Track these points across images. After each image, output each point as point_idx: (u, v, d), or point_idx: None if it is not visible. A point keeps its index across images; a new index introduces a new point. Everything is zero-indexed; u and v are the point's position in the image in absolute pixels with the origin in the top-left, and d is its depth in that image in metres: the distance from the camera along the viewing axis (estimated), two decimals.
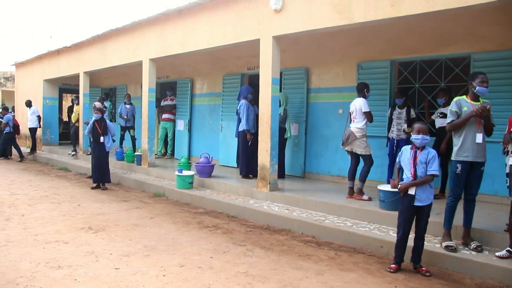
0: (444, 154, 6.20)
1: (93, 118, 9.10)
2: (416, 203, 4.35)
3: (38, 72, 16.71)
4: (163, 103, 12.02)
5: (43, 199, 7.80)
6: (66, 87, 17.01)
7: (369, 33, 7.69)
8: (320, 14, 6.39)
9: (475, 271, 4.36)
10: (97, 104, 9.48)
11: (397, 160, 4.73)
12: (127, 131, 12.41)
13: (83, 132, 12.77)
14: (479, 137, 4.64)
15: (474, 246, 4.66)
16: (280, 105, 7.95)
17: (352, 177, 6.73)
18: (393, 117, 7.19)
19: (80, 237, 5.42)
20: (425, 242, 4.51)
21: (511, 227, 4.50)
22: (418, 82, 7.66)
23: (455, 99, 4.82)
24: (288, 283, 4.06)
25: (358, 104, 6.56)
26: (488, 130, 4.73)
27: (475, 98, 4.73)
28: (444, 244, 4.71)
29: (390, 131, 7.25)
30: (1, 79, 22.86)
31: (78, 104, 13.65)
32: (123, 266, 4.37)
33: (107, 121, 9.16)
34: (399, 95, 7.11)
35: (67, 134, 16.97)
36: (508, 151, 4.72)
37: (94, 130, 8.98)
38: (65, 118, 17.66)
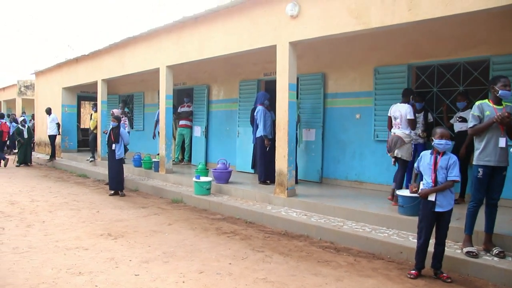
0: (464, 159, 6.12)
1: (110, 126, 9.23)
2: (437, 209, 4.30)
3: (57, 80, 17.02)
4: (180, 109, 12.13)
5: (63, 206, 7.92)
6: (84, 94, 17.30)
7: (386, 37, 7.66)
8: (336, 20, 6.39)
9: (497, 278, 4.28)
10: (115, 111, 9.60)
11: (415, 165, 4.68)
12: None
13: (101, 139, 12.95)
14: (502, 142, 4.57)
15: (496, 252, 4.58)
16: None
17: (400, 184, 6.58)
18: None
19: (99, 243, 5.49)
20: (445, 248, 4.45)
21: None
22: (436, 86, 7.60)
23: (477, 103, 4.76)
24: None
25: (404, 110, 6.45)
26: (511, 134, 4.66)
27: (498, 101, 4.67)
28: (465, 250, 4.65)
29: None
30: (22, 88, 23.27)
31: (96, 111, 13.85)
32: (142, 273, 4.41)
33: (121, 128, 9.29)
34: (418, 99, 7.04)
35: (85, 141, 17.25)
36: None
37: (109, 137, 9.13)
38: (86, 125, 17.90)
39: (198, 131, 11.94)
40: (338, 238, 5.68)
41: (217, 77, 11.59)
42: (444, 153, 4.36)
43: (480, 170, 4.63)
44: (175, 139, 12.18)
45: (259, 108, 8.46)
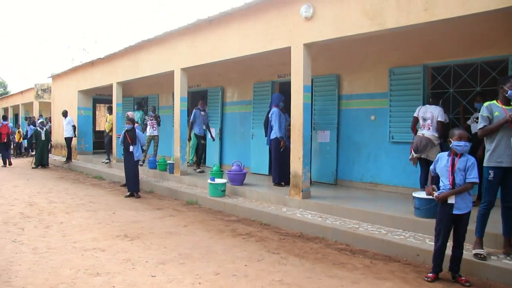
0: (481, 160, 6.03)
1: (125, 128, 9.31)
2: (455, 211, 4.25)
3: (73, 83, 17.25)
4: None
5: (79, 207, 8.02)
6: (99, 97, 17.50)
7: (401, 38, 7.61)
8: (351, 21, 6.36)
9: None
10: (130, 114, 9.68)
11: (431, 167, 4.64)
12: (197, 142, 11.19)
13: (116, 141, 13.08)
14: None
15: None
16: None
17: (424, 185, 6.51)
18: None
19: (116, 244, 5.54)
20: (464, 251, 4.39)
21: None
22: (452, 87, 7.51)
23: (486, 104, 4.73)
24: None
25: (436, 112, 6.42)
26: None
27: (507, 102, 4.62)
28: (474, 251, 4.58)
29: None
30: (39, 91, 23.62)
31: (111, 113, 13.98)
32: (159, 274, 4.44)
33: (137, 130, 9.37)
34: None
35: (100, 143, 17.44)
36: None
37: (125, 139, 9.21)
38: (101, 128, 18.09)
39: (212, 133, 11.95)
40: (354, 240, 5.65)
41: (231, 79, 11.63)
42: (461, 155, 4.31)
43: (491, 172, 4.57)
44: (189, 141, 12.21)
45: (274, 110, 8.47)
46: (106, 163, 13.87)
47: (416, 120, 6.68)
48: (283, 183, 8.38)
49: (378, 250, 5.31)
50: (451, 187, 4.26)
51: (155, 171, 11.28)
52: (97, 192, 9.94)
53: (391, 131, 7.99)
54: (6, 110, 31.58)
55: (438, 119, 6.39)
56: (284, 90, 9.69)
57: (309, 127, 7.34)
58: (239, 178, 8.57)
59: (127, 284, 4.13)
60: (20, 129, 21.33)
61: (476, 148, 6.17)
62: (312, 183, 8.30)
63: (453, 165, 4.29)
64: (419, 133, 6.58)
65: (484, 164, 4.68)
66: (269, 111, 8.69)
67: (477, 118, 6.44)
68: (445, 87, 7.59)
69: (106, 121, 14.48)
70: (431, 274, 4.35)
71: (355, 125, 8.59)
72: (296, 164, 7.19)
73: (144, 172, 11.33)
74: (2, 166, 15.47)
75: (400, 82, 7.85)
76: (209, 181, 8.20)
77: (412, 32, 7.12)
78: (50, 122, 19.98)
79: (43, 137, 15.44)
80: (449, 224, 4.32)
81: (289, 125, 8.13)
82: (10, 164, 15.80)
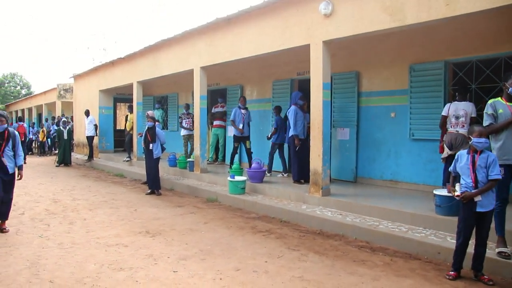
0: None
1: (146, 126, 9.44)
2: (478, 209, 4.20)
3: (94, 83, 17.53)
4: (214, 110, 12.24)
5: (102, 204, 8.17)
6: (120, 96, 17.74)
7: (421, 34, 7.52)
8: (371, 17, 6.33)
9: None
10: (150, 112, 9.80)
11: (451, 167, 4.59)
12: (241, 143, 10.58)
13: (137, 140, 13.26)
14: None
15: None
16: None
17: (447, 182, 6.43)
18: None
19: (138, 240, 5.64)
20: (487, 249, 4.34)
21: None
22: (475, 83, 7.40)
23: (490, 101, 4.72)
24: None
25: (470, 109, 6.29)
26: None
27: (510, 99, 4.57)
28: (497, 250, 4.53)
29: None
30: (61, 91, 24.04)
31: (132, 112, 14.17)
32: (181, 269, 4.51)
33: (157, 128, 9.48)
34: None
35: (120, 142, 17.69)
36: None
37: (145, 137, 9.33)
38: (122, 127, 18.32)
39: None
40: (374, 237, 5.63)
41: (250, 77, 11.66)
42: (481, 152, 4.26)
43: (501, 169, 4.50)
44: (209, 139, 12.32)
45: (292, 108, 8.51)
46: (127, 161, 14.07)
47: (445, 118, 6.50)
48: (302, 181, 8.38)
49: (399, 248, 5.29)
50: (473, 185, 4.21)
51: (175, 169, 11.39)
52: (119, 189, 10.11)
53: (411, 128, 7.91)
54: (30, 110, 32.30)
55: (472, 115, 6.25)
56: (303, 88, 9.69)
57: (328, 124, 7.33)
58: (258, 176, 8.61)
59: (150, 279, 4.21)
60: (44, 128, 21.79)
61: None
62: (332, 180, 8.28)
63: (473, 162, 4.24)
64: (452, 130, 6.39)
65: None
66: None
67: None
68: (467, 83, 7.48)
69: (126, 120, 14.69)
70: (452, 272, 4.32)
71: (375, 122, 8.53)
72: (315, 161, 7.19)
73: (165, 170, 11.46)
74: None
75: (421, 79, 7.76)
76: (229, 178, 8.27)
77: (433, 28, 7.05)
78: (72, 121, 20.34)
79: (65, 136, 15.74)
80: (472, 222, 4.27)
81: (309, 123, 8.14)
82: (24, 162, 16.04)
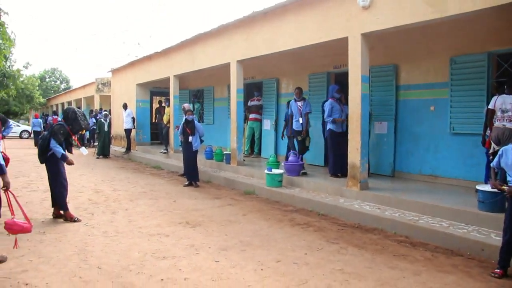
0: None
1: (184, 119, 9.60)
2: None
3: (131, 77, 17.91)
4: (250, 103, 12.33)
5: (141, 195, 8.39)
6: (156, 90, 18.08)
7: (463, 25, 7.33)
8: (411, 9, 6.23)
9: None
10: (186, 105, 9.95)
11: (494, 163, 4.49)
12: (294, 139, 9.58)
13: (174, 132, 13.50)
14: None
15: None
16: None
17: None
18: None
19: (179, 231, 5.79)
20: None
21: None
22: None
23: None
24: (385, 282, 4.05)
25: None
26: None
27: None
28: None
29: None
30: (99, 85, 24.72)
31: (168, 106, 14.42)
32: (222, 259, 4.62)
33: (195, 121, 9.63)
34: (510, 89, 6.17)
35: (155, 135, 18.05)
36: None
37: (184, 130, 9.50)
38: (154, 120, 18.70)
39: (267, 124, 12.09)
40: (414, 232, 5.58)
41: (286, 70, 11.67)
42: None
43: None
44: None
45: (328, 101, 8.51)
46: (164, 153, 14.36)
47: (492, 112, 6.17)
48: (339, 174, 8.37)
49: (440, 243, 5.22)
50: None
51: (212, 161, 11.56)
52: (157, 181, 10.34)
53: (451, 122, 7.75)
54: (69, 103, 33.31)
55: None
56: (340, 81, 9.62)
57: (367, 118, 7.28)
58: (296, 169, 8.63)
59: (193, 268, 4.33)
60: None
61: None
62: (369, 175, 8.21)
63: None
64: (498, 124, 6.09)
65: None
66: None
67: None
68: None
69: (156, 113, 14.93)
70: (498, 270, 4.23)
71: (414, 116, 8.40)
72: (354, 155, 7.16)
73: (201, 163, 11.63)
74: None
75: (462, 71, 7.59)
76: (266, 171, 8.34)
77: (476, 18, 6.84)
78: (110, 115, 20.87)
79: (105, 128, 16.19)
80: None
81: (347, 116, 8.11)
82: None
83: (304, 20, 8.18)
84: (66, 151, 6.45)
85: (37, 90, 36.62)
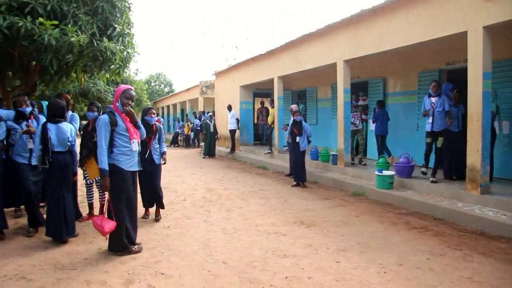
0: None
1: (291, 120, 9.72)
2: None
3: (235, 79, 18.49)
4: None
5: (252, 194, 8.65)
6: (259, 91, 18.48)
7: None
8: None
9: None
10: (293, 107, 10.06)
11: None
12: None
13: (278, 133, 13.71)
14: None
15: None
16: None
17: None
18: None
19: (295, 230, 5.88)
20: None
21: None
22: None
23: None
24: None
25: None
26: None
27: None
28: None
29: None
30: (203, 88, 25.89)
31: (273, 107, 14.68)
32: (342, 260, 4.62)
33: (303, 122, 9.69)
34: None
35: (257, 135, 18.47)
36: None
37: (292, 131, 9.61)
38: (255, 120, 19.13)
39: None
40: None
41: (393, 69, 11.29)
42: None
43: None
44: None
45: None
46: (268, 153, 14.65)
47: None
48: (454, 177, 7.92)
49: None
50: None
51: (318, 162, 11.55)
52: (264, 181, 10.58)
53: None
54: (174, 106, 35.40)
55: None
56: (453, 79, 9.10)
57: (488, 117, 6.79)
58: (407, 171, 8.33)
59: (314, 268, 4.39)
60: (189, 123, 23.70)
61: None
62: (493, 179, 7.65)
63: None
64: None
65: None
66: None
67: None
68: None
69: (260, 113, 15.22)
70: None
71: None
72: (473, 157, 6.74)
73: (307, 163, 11.62)
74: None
75: None
76: (376, 173, 8.15)
77: None
78: (214, 116, 21.79)
79: (211, 129, 16.93)
80: None
81: (463, 115, 7.66)
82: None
83: (416, 15, 7.86)
84: None
85: (145, 94, 39.35)
